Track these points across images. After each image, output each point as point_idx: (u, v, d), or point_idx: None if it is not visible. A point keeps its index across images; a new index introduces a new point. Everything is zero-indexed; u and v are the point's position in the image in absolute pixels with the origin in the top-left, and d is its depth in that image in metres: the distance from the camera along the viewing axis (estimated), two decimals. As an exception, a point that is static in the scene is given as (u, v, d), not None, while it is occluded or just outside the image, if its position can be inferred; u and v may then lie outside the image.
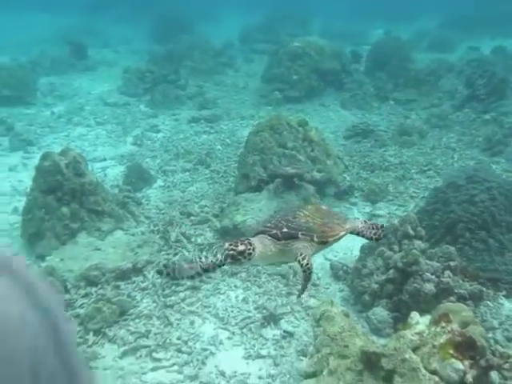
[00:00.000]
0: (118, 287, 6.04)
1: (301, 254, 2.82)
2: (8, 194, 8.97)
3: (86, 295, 5.89)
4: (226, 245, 2.67)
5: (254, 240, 2.75)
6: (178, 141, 11.20)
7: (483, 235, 6.43)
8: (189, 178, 9.38)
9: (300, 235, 2.85)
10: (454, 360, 3.62)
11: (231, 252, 2.60)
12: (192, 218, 7.63)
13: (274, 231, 2.85)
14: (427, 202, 7.29)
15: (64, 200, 7.05)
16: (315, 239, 2.90)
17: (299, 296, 3.38)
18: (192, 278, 2.92)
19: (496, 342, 5.16)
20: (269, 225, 2.91)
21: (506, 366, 3.69)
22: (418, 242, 5.72)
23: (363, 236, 3.26)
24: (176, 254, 6.70)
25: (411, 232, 5.82)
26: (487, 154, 10.39)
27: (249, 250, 2.64)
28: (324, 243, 2.98)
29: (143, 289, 6.06)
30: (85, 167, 7.44)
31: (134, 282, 6.16)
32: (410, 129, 11.24)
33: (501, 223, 6.56)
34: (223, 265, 2.84)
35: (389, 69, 14.67)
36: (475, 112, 12.35)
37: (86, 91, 15.21)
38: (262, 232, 2.87)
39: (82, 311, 5.59)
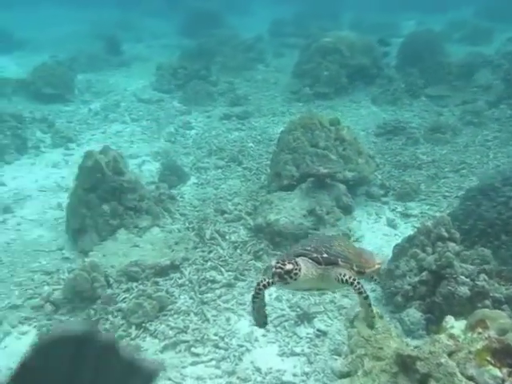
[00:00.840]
0: (156, 283, 6.30)
1: (344, 275, 2.84)
2: (52, 189, 9.37)
3: (127, 290, 6.17)
4: (273, 262, 2.67)
5: (298, 260, 2.75)
6: (210, 138, 11.40)
7: (519, 238, 6.39)
8: (221, 176, 9.56)
9: (340, 262, 2.87)
10: (491, 367, 3.68)
11: (278, 270, 2.59)
12: (226, 215, 7.81)
13: (315, 255, 2.85)
14: (461, 204, 7.27)
15: (104, 197, 7.35)
16: (354, 268, 2.94)
17: (370, 320, 3.46)
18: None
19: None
20: (308, 248, 2.90)
21: (543, 372, 3.73)
22: (452, 245, 5.75)
23: None
24: (211, 252, 6.90)
25: (445, 234, 5.86)
26: (523, 151, 10.21)
27: (295, 269, 2.64)
28: (362, 273, 3.02)
29: (180, 285, 6.30)
30: (123, 166, 7.71)
31: (171, 279, 6.40)
32: (443, 126, 11.11)
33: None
34: (270, 285, 2.87)
35: (421, 63, 14.47)
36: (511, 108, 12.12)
37: (122, 88, 15.55)
38: (303, 254, 2.85)
39: (124, 305, 5.86)
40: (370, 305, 2.95)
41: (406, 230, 7.59)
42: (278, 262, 2.65)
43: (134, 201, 7.50)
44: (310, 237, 3.59)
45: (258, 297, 3.01)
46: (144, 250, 6.98)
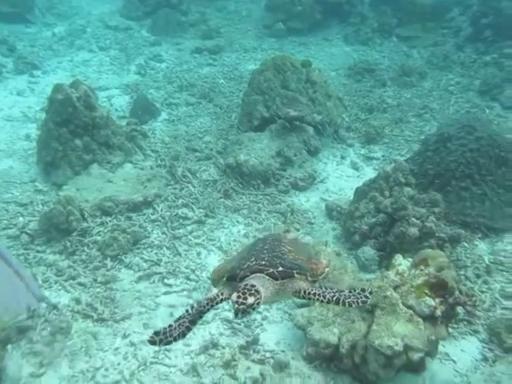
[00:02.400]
0: (130, 218, 6.61)
1: (300, 291, 2.81)
2: (19, 119, 9.27)
3: (101, 224, 6.46)
4: (234, 297, 2.53)
5: (256, 284, 2.64)
6: (181, 72, 11.31)
7: (468, 183, 6.94)
8: (192, 113, 9.65)
9: (296, 274, 2.82)
10: (427, 298, 4.29)
11: (241, 307, 2.47)
12: (197, 154, 8.04)
13: (271, 270, 2.78)
14: (420, 149, 7.71)
15: (77, 132, 7.41)
16: (309, 278, 2.90)
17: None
18: (184, 335, 2.78)
19: (467, 278, 5.85)
20: (263, 263, 2.82)
21: (469, 302, 4.36)
22: (407, 189, 6.25)
23: None
24: (182, 189, 7.20)
25: (402, 179, 6.33)
26: (483, 97, 10.60)
27: (257, 299, 2.55)
28: (314, 281, 2.97)
29: (153, 221, 6.63)
30: (95, 101, 7.72)
31: (144, 214, 6.72)
32: (411, 69, 11.34)
33: (485, 173, 7.04)
34: (208, 310, 2.81)
35: (395, 2, 14.34)
36: (477, 53, 12.33)
37: (86, 11, 14.90)
38: (259, 271, 2.77)
39: (99, 238, 6.17)
40: (336, 302, 2.80)
41: (369, 172, 8.04)
42: (238, 297, 2.51)
43: (106, 137, 7.60)
44: (258, 241, 3.37)
45: (203, 311, 2.84)
46: (117, 185, 7.20)
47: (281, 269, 2.81)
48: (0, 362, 4.39)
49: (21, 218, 6.65)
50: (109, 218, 6.54)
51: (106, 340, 4.95)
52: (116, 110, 9.66)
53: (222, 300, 2.81)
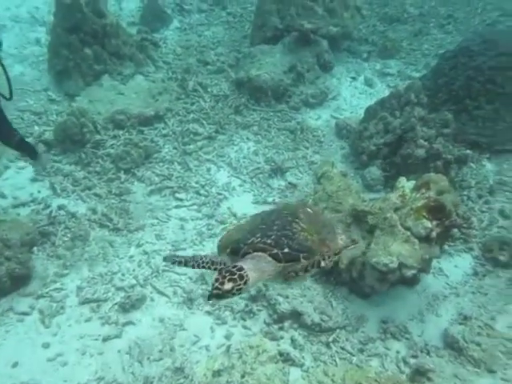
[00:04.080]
0: (142, 132, 6.72)
1: (295, 272, 2.56)
2: (28, 21, 9.06)
3: (114, 137, 6.60)
4: (214, 278, 2.35)
5: (248, 266, 2.41)
6: (193, -25, 10.70)
7: (481, 102, 6.81)
8: (205, 21, 9.32)
9: (302, 259, 2.55)
10: (425, 220, 4.47)
11: (215, 291, 2.28)
12: (209, 66, 7.92)
13: (275, 251, 2.52)
14: (436, 65, 7.47)
15: (86, 41, 7.30)
16: (315, 266, 2.60)
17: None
18: (189, 266, 2.70)
19: (469, 198, 6.01)
20: (269, 242, 2.57)
21: (465, 225, 4.56)
22: (418, 109, 6.20)
23: None
24: (193, 104, 7.21)
25: (414, 99, 6.26)
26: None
27: (238, 286, 2.31)
28: (323, 267, 2.66)
29: (164, 135, 6.75)
30: (104, 7, 7.49)
31: (156, 129, 6.81)
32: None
33: (502, 92, 6.87)
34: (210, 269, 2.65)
35: None
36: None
37: None
38: (262, 250, 2.54)
39: (112, 151, 6.34)
40: (312, 266, 2.54)
41: (382, 89, 7.91)
42: (217, 280, 2.30)
43: (116, 46, 7.49)
44: (273, 212, 3.07)
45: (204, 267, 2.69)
46: (129, 98, 7.22)
47: (286, 250, 2.55)
48: (29, 262, 4.79)
49: (36, 127, 6.80)
50: (121, 132, 6.66)
51: (122, 248, 5.32)
52: (126, 15, 9.34)
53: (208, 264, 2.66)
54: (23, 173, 6.17)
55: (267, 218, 2.93)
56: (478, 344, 4.37)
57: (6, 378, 4.01)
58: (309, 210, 3.04)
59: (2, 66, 4.36)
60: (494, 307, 4.75)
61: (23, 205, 5.66)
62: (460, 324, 4.57)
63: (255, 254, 2.52)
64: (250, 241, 2.62)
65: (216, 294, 2.27)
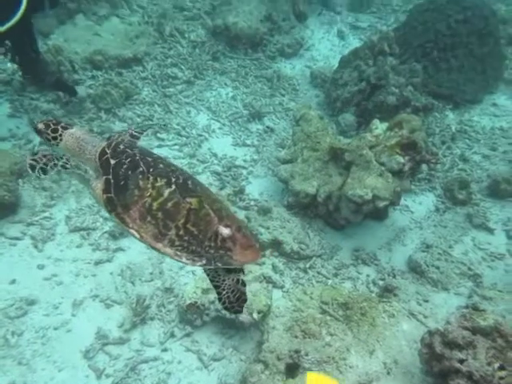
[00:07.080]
0: (120, 74, 6.74)
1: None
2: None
3: (93, 77, 6.59)
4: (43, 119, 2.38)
5: (75, 133, 2.36)
6: None
7: (448, 55, 7.21)
8: (178, -34, 9.18)
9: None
10: (398, 156, 4.85)
11: (38, 126, 2.35)
12: (185, 12, 7.90)
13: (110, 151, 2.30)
14: (406, 19, 7.77)
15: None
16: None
17: None
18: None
19: (433, 144, 6.46)
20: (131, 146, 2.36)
21: (433, 160, 4.97)
22: (390, 59, 6.50)
23: None
24: (171, 49, 7.24)
25: (387, 49, 6.56)
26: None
27: (47, 135, 2.34)
28: None
29: (143, 78, 6.79)
30: None
31: (134, 71, 6.84)
32: None
33: (467, 45, 7.27)
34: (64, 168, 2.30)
35: None
36: None
37: None
38: (117, 142, 2.36)
39: (91, 91, 6.34)
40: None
41: (354, 42, 8.17)
42: (42, 121, 2.38)
43: (90, -15, 7.36)
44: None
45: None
46: (105, 39, 7.15)
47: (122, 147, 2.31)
48: (17, 191, 4.85)
49: (9, 64, 6.56)
50: (99, 72, 6.65)
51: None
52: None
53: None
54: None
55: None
56: (437, 267, 4.89)
57: (5, 293, 4.17)
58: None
59: None
60: (451, 237, 5.27)
61: (3, 139, 5.64)
62: (423, 251, 5.05)
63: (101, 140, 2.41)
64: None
65: (37, 130, 2.35)
